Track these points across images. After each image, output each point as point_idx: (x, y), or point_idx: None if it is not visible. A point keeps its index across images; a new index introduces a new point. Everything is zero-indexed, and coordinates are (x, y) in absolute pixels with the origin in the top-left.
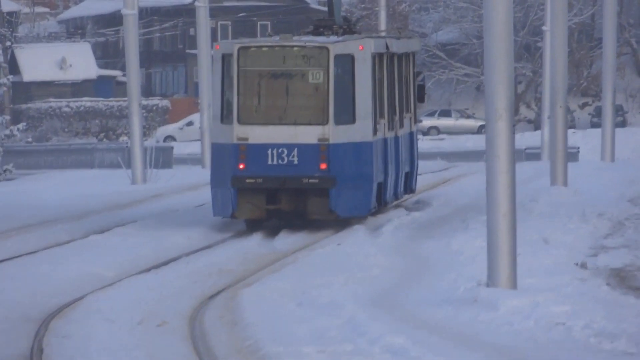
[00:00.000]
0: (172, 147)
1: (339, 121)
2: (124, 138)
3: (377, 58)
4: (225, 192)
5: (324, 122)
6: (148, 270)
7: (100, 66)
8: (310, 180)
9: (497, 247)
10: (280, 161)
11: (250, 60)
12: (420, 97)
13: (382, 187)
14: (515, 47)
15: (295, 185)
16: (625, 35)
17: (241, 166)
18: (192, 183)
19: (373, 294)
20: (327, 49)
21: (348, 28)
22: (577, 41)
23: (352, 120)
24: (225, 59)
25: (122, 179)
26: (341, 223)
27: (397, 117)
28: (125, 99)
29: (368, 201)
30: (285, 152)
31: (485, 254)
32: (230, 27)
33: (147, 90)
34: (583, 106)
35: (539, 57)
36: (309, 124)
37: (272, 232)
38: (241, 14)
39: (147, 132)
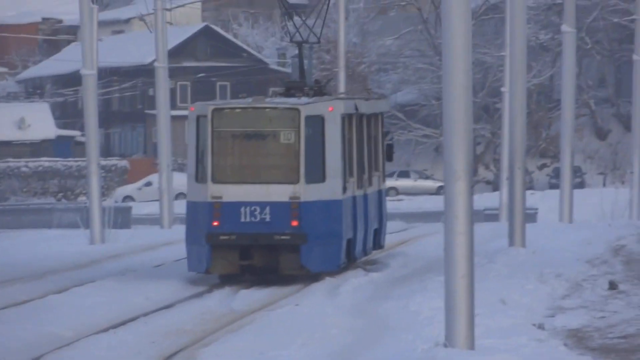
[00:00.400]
0: (130, 207)
1: (309, 180)
2: (82, 198)
3: (347, 119)
4: (200, 248)
5: (295, 180)
6: (106, 330)
7: (59, 126)
8: (282, 237)
9: (455, 308)
10: (253, 218)
11: (223, 121)
12: (389, 156)
13: (351, 243)
14: (474, 108)
15: (268, 242)
16: (584, 97)
17: (215, 223)
18: (151, 243)
19: (331, 355)
20: (298, 110)
21: (319, 89)
22: (535, 102)
23: (322, 179)
24: (200, 120)
25: (80, 239)
26: (300, 283)
27: (365, 176)
28: (84, 159)
29: (338, 257)
30: (258, 209)
31: (443, 314)
32: (189, 88)
33: (106, 150)
34: (541, 167)
35: (497, 118)
36: (281, 182)
37: (231, 292)
38: (200, 75)
39: (105, 192)
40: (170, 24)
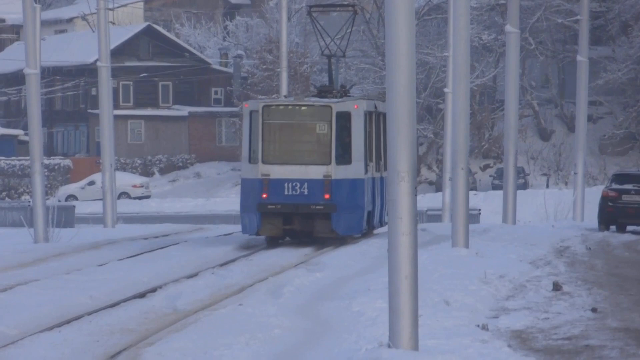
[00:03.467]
0: (73, 206)
1: (339, 162)
2: (26, 197)
3: (368, 115)
4: (252, 215)
5: (327, 162)
6: (51, 328)
7: (2, 125)
8: (317, 207)
9: (399, 309)
10: (294, 192)
11: (271, 115)
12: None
13: (370, 214)
14: (417, 109)
15: (306, 211)
16: (527, 98)
17: (264, 195)
18: (94, 242)
19: (275, 355)
20: (330, 107)
21: (344, 92)
22: (478, 103)
23: (349, 161)
24: (252, 114)
25: (24, 237)
26: (244, 284)
27: (381, 162)
28: (28, 158)
29: (360, 224)
30: (298, 185)
31: (386, 315)
32: (132, 87)
33: (50, 150)
34: (484, 168)
35: (440, 119)
36: (316, 164)
37: (175, 292)
38: (143, 75)
39: (49, 191)
40: (113, 23)
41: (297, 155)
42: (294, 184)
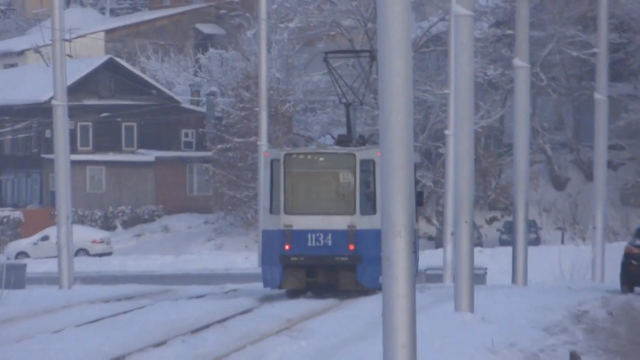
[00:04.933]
0: (24, 265)
1: (363, 212)
2: None
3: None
4: (274, 268)
5: (352, 212)
6: None
7: None
8: (341, 258)
9: None
10: (317, 243)
11: (294, 164)
12: (419, 202)
13: None
14: (414, 153)
15: (330, 262)
16: (538, 141)
17: (287, 247)
18: (49, 306)
19: None
20: (354, 155)
21: (362, 141)
22: (484, 147)
23: (373, 211)
24: (273, 163)
25: None
26: (218, 353)
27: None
28: None
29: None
30: (322, 236)
31: None
32: (91, 129)
33: None
34: (491, 221)
35: (441, 165)
36: (340, 214)
37: None
38: (104, 114)
39: None
40: (70, 56)
41: (321, 205)
42: (317, 234)
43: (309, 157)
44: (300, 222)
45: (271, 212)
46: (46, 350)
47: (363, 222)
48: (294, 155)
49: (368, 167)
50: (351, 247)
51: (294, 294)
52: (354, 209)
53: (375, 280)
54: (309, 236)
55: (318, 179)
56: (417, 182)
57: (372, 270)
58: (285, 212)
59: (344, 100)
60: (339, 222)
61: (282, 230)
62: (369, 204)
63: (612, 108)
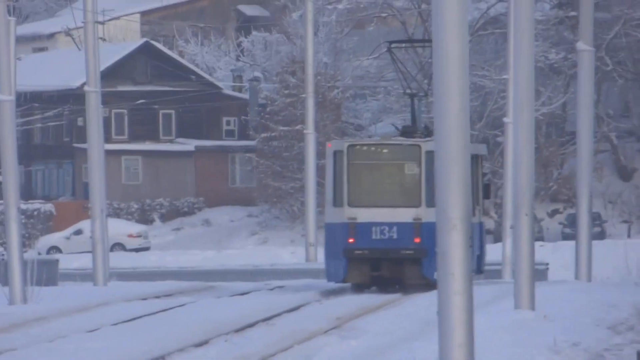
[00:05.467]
0: (57, 260)
1: (429, 204)
2: None
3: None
4: (338, 262)
5: (417, 204)
6: None
7: None
8: (407, 252)
9: None
10: (382, 236)
11: (358, 155)
12: (487, 194)
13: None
14: (471, 142)
15: (395, 256)
16: (603, 129)
17: (351, 240)
18: (83, 304)
19: None
20: (419, 146)
21: (428, 131)
22: (545, 136)
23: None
24: (337, 154)
25: None
26: (264, 353)
27: (472, 207)
28: (0, 202)
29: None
30: (387, 228)
31: None
32: (126, 116)
33: (27, 192)
34: (553, 214)
35: (499, 155)
36: (406, 206)
37: None
38: (139, 101)
39: (27, 242)
40: (104, 39)
41: (385, 198)
42: (382, 227)
43: (373, 148)
44: (365, 215)
45: (334, 204)
46: (80, 350)
47: (429, 215)
48: (358, 147)
49: (433, 158)
50: (417, 240)
51: (358, 289)
52: (419, 201)
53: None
54: (374, 229)
55: (382, 171)
56: (484, 174)
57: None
58: (349, 205)
59: (408, 91)
60: (404, 215)
61: (346, 223)
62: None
63: None
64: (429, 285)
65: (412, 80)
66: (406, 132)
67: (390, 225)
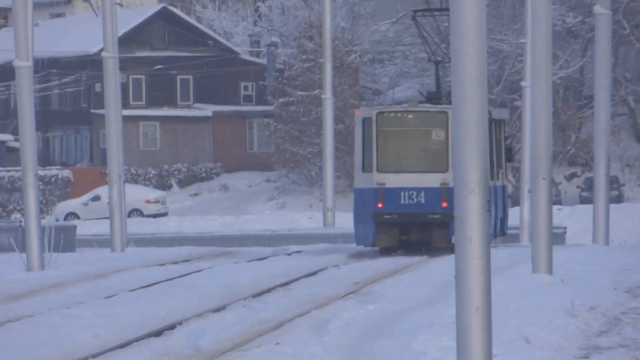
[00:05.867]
0: (74, 227)
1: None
2: (16, 215)
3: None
4: (367, 226)
5: (444, 170)
6: None
7: None
8: (435, 216)
9: (469, 347)
10: (410, 201)
11: (386, 122)
12: (509, 157)
13: (493, 222)
14: (489, 106)
15: (423, 220)
16: (621, 92)
17: (380, 205)
18: (100, 270)
19: None
20: (446, 113)
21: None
22: (562, 99)
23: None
24: (365, 122)
25: (15, 264)
26: (282, 318)
27: (495, 170)
28: (18, 168)
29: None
30: (415, 194)
31: (454, 355)
32: (144, 82)
33: (45, 158)
34: (570, 177)
35: (517, 119)
36: (433, 171)
37: (199, 330)
38: (157, 67)
39: (44, 208)
40: (121, 5)
41: (413, 163)
42: (410, 192)
43: (401, 115)
44: (393, 180)
45: (363, 170)
46: (97, 316)
47: None
48: (386, 114)
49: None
50: (444, 204)
51: (385, 251)
52: (446, 166)
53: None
54: (402, 194)
55: (410, 137)
56: (506, 137)
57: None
58: (378, 171)
59: (432, 59)
60: (432, 180)
61: (375, 189)
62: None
63: None
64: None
65: (437, 48)
66: (431, 98)
67: (418, 190)
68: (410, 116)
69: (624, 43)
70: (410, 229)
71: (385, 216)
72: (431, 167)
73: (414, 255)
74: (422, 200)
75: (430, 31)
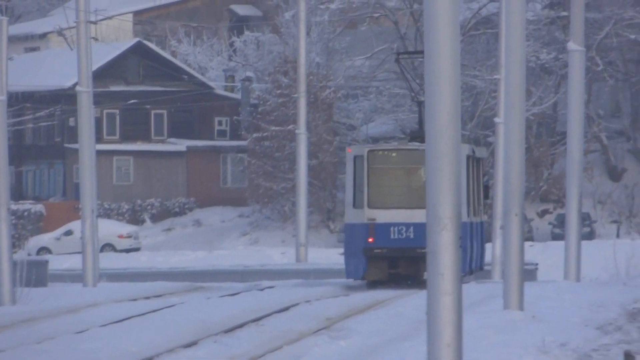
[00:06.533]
0: (47, 261)
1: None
2: None
3: (467, 159)
4: (358, 260)
5: None
6: None
7: None
8: (423, 250)
9: None
10: (400, 236)
11: (377, 159)
12: (486, 195)
13: (470, 257)
14: (462, 142)
15: (411, 254)
16: (593, 129)
17: (371, 240)
18: (72, 304)
19: None
20: None
21: None
22: (535, 136)
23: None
24: (357, 159)
25: None
26: (254, 354)
27: (474, 206)
28: None
29: (465, 266)
30: (404, 229)
31: None
32: (118, 116)
33: (17, 192)
34: (542, 214)
35: (490, 155)
36: (421, 207)
37: None
38: (131, 101)
39: (16, 242)
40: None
41: (403, 199)
42: (399, 227)
43: (391, 153)
44: (384, 216)
45: (354, 206)
46: (69, 351)
47: None
48: (378, 152)
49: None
50: None
51: (373, 284)
52: None
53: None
54: (392, 229)
55: (400, 174)
56: (484, 174)
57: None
58: (369, 206)
59: (416, 98)
60: (421, 216)
61: (366, 224)
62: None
63: None
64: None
65: (420, 89)
66: (415, 137)
67: (408, 225)
68: (400, 154)
69: (597, 80)
70: (399, 263)
71: (376, 250)
72: (420, 203)
73: (402, 288)
74: (411, 235)
75: (409, 71)
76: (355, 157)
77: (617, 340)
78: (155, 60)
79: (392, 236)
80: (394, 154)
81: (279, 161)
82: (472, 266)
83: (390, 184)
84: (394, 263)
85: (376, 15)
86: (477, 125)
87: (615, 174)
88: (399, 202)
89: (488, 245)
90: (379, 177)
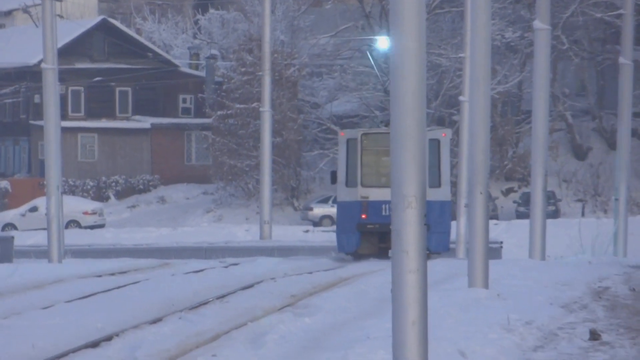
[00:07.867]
0: (12, 237)
1: (431, 185)
2: None
3: (451, 142)
4: (351, 235)
5: None
6: None
7: None
8: None
9: None
10: (390, 212)
11: (369, 142)
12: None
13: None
14: (427, 121)
15: None
16: (559, 108)
17: (364, 216)
18: (38, 280)
19: None
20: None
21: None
22: (500, 114)
23: (439, 185)
24: (350, 142)
25: None
26: (218, 330)
27: (446, 185)
28: None
29: (448, 242)
30: None
31: None
32: (83, 94)
33: None
34: (507, 192)
35: (455, 133)
36: None
37: (136, 341)
38: (96, 79)
39: None
40: (61, 17)
41: None
42: (390, 205)
43: (384, 135)
44: (376, 194)
45: (347, 185)
46: (35, 327)
47: (430, 195)
48: (370, 134)
49: (434, 145)
50: None
51: (359, 257)
52: None
53: (439, 245)
54: (383, 206)
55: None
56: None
57: (437, 237)
58: (362, 185)
59: (387, 86)
60: None
61: (360, 202)
62: (436, 179)
63: (637, 73)
64: (429, 256)
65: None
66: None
67: None
68: (390, 137)
69: (562, 58)
70: (389, 238)
71: (369, 226)
72: None
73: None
74: None
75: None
76: (348, 140)
77: (583, 318)
78: (120, 37)
79: (383, 213)
80: (385, 137)
81: (243, 139)
82: (441, 245)
83: (382, 164)
84: (384, 238)
85: None
86: (442, 103)
87: (580, 153)
88: (389, 182)
89: (453, 224)
90: (371, 158)
